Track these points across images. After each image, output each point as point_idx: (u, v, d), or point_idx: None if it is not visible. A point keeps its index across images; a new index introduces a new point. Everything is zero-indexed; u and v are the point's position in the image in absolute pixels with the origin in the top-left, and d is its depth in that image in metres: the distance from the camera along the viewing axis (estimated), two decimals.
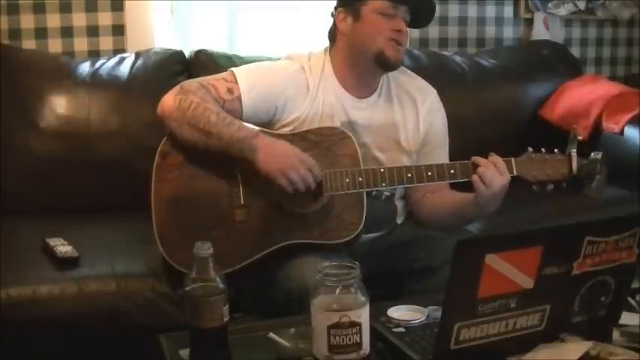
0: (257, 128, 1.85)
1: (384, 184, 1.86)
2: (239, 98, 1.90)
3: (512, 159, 1.85)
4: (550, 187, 1.86)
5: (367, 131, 1.97)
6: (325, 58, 2.00)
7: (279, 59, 2.09)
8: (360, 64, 1.97)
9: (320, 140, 1.88)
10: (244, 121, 1.89)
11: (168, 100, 1.87)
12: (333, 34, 2.01)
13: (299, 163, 1.79)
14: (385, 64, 1.95)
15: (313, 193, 1.83)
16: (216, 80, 1.92)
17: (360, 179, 1.84)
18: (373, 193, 1.95)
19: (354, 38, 1.95)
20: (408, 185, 1.91)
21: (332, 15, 2.00)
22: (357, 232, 1.85)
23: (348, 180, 1.84)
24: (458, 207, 1.95)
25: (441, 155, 2.05)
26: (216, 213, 1.85)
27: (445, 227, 2.02)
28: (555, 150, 1.88)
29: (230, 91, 1.90)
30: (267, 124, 1.93)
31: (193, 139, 1.83)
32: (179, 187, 1.87)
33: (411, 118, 2.03)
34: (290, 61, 2.01)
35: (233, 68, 1.96)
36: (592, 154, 1.87)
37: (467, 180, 1.85)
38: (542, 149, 1.88)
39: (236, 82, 1.91)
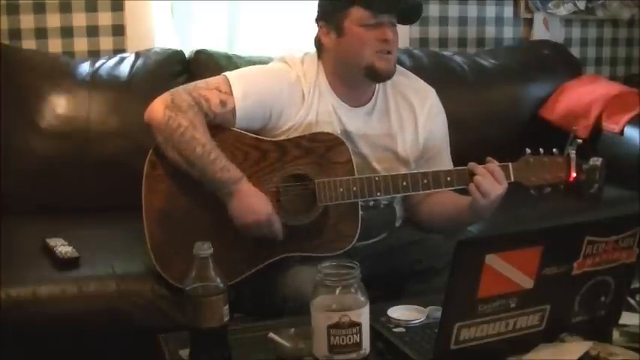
0: (240, 174, 1.80)
1: (378, 194, 1.83)
2: (232, 111, 1.85)
3: (510, 165, 1.82)
4: (547, 190, 1.84)
5: (364, 141, 1.93)
6: (318, 65, 1.94)
7: (272, 59, 2.04)
8: (350, 77, 1.91)
9: (314, 147, 1.85)
10: (237, 129, 1.87)
11: (157, 112, 1.81)
12: (318, 45, 1.95)
13: (265, 223, 1.78)
14: (376, 77, 1.89)
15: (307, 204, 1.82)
16: (209, 90, 1.85)
17: (355, 189, 1.81)
18: (371, 204, 1.93)
19: (340, 53, 1.89)
20: (404, 194, 1.88)
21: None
22: (351, 244, 1.84)
23: (342, 190, 1.81)
24: (454, 211, 1.93)
25: (443, 159, 2.01)
26: (210, 226, 1.83)
27: (442, 230, 2.00)
28: (554, 150, 1.85)
29: (223, 103, 1.84)
30: (261, 130, 1.89)
31: (176, 162, 1.81)
32: (171, 198, 1.85)
33: (409, 127, 1.98)
34: (285, 66, 1.94)
35: (227, 73, 1.90)
36: (592, 160, 1.82)
37: (464, 187, 1.82)
38: (541, 150, 1.85)
39: (230, 92, 1.85)
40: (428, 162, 2.00)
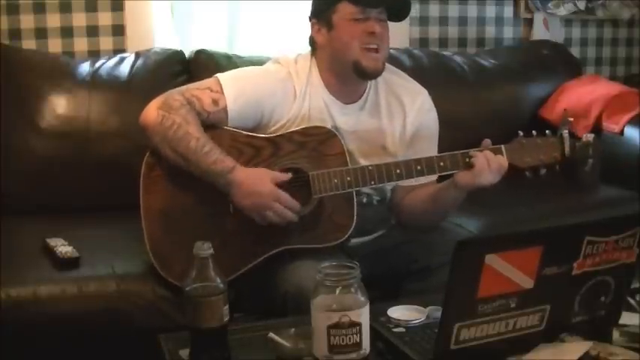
0: (233, 162, 1.80)
1: (373, 182, 1.84)
2: (224, 109, 1.87)
3: (503, 146, 1.83)
4: (543, 171, 1.85)
5: (352, 137, 1.94)
6: (312, 63, 1.97)
7: (268, 59, 2.05)
8: (342, 72, 1.93)
9: (306, 141, 1.86)
10: (230, 128, 1.88)
11: (152, 114, 1.84)
12: (312, 43, 1.98)
13: (272, 201, 1.77)
14: (363, 74, 1.91)
15: (302, 197, 1.82)
16: (201, 91, 1.88)
17: (349, 179, 1.82)
18: (364, 201, 1.94)
19: (331, 48, 1.92)
20: (398, 181, 1.89)
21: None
22: (348, 233, 1.85)
23: (336, 180, 1.82)
24: (437, 193, 1.90)
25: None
26: (207, 223, 1.84)
27: (426, 220, 1.97)
28: (547, 131, 1.85)
29: (215, 102, 1.87)
30: (254, 129, 1.91)
31: (173, 159, 1.83)
32: (168, 198, 1.87)
33: (398, 124, 1.99)
34: (277, 66, 1.97)
35: (219, 75, 1.93)
36: (584, 136, 1.85)
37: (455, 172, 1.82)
38: (534, 132, 1.85)
39: (222, 92, 1.87)
40: (414, 157, 1.98)
